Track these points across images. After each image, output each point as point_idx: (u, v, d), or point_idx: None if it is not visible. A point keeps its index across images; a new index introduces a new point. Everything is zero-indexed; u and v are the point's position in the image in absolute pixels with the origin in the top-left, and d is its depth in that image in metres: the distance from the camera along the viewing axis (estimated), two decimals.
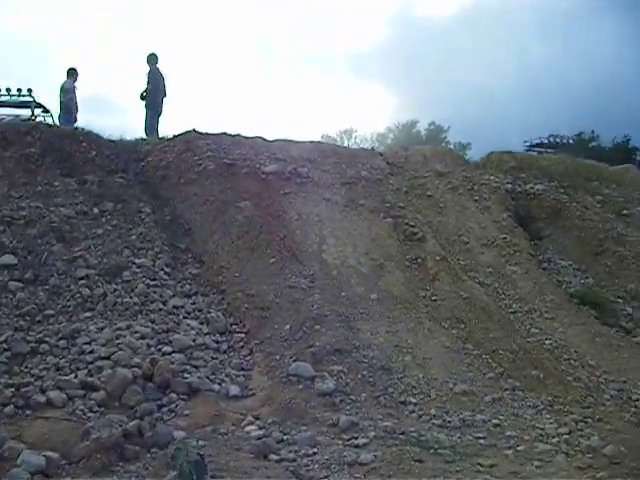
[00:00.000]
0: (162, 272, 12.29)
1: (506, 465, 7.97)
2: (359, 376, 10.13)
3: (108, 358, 9.87)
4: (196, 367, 10.24)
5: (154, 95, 18.65)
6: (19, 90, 19.58)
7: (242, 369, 10.54)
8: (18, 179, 13.80)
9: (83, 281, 11.55)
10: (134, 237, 12.92)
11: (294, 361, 10.30)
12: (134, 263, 12.30)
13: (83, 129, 15.75)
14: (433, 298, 12.57)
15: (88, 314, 11.01)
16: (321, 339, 10.69)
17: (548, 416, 9.81)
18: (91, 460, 7.82)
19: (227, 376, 10.23)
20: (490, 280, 13.67)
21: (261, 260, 12.47)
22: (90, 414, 8.89)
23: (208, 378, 10.03)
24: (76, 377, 9.53)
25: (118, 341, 10.25)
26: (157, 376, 9.64)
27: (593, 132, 41.20)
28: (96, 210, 13.37)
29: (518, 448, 8.57)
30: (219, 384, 9.99)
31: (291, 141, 16.02)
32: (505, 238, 14.82)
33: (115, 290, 11.60)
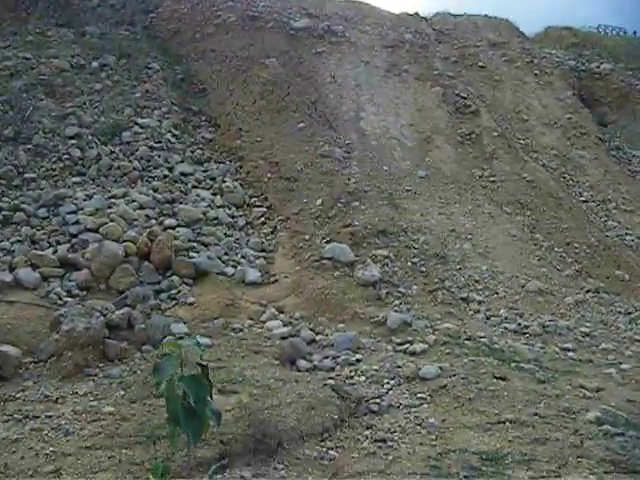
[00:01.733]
0: (169, 134, 9.97)
1: (615, 389, 5.69)
2: (409, 264, 7.86)
3: (96, 230, 7.65)
4: (205, 245, 8.00)
5: None
6: None
7: (263, 250, 8.31)
8: (6, 27, 11.55)
9: (73, 141, 9.30)
10: (138, 95, 10.57)
11: (327, 242, 8.02)
12: (136, 123, 9.99)
13: None
14: (491, 179, 10.24)
15: (77, 179, 8.80)
16: (361, 218, 8.39)
17: None
18: (61, 359, 5.64)
19: (243, 257, 8.02)
20: (555, 164, 11.32)
21: (288, 124, 10.09)
22: (67, 299, 6.74)
23: (220, 259, 7.83)
24: (55, 253, 7.36)
25: (110, 210, 8.02)
26: (156, 253, 7.37)
27: (635, 32, 37.68)
28: (95, 64, 11.04)
29: (622, 366, 6.27)
30: (233, 267, 7.79)
31: None
32: (570, 118, 12.42)
33: (112, 152, 9.33)
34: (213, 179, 9.34)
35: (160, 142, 9.69)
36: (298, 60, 11.27)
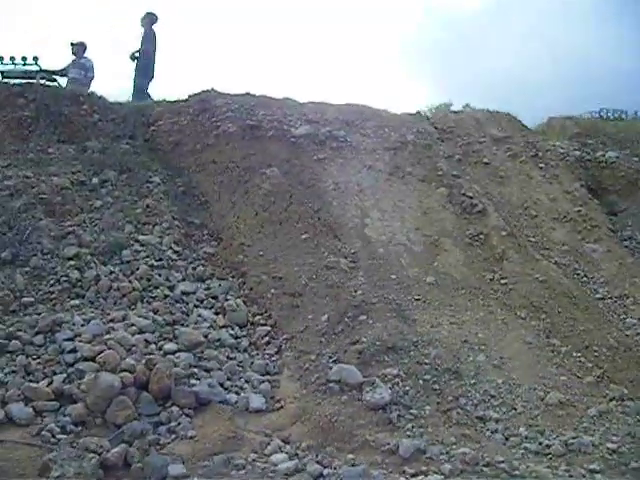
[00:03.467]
0: (170, 251, 9.70)
1: None
2: (420, 382, 7.45)
3: (93, 359, 7.26)
4: (207, 370, 7.62)
5: (147, 58, 15.82)
6: (24, 58, 17.02)
7: (267, 373, 7.90)
8: (7, 146, 11.41)
9: (72, 262, 9.02)
10: (139, 210, 10.36)
11: (334, 362, 7.65)
12: (137, 240, 9.74)
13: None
14: (503, 281, 9.86)
15: (75, 302, 8.48)
16: (369, 333, 8.04)
17: None
18: None
19: (247, 382, 7.62)
20: (567, 260, 10.95)
21: (291, 236, 9.83)
22: (61, 436, 6.30)
23: (222, 385, 7.42)
24: (50, 384, 6.98)
25: (108, 336, 7.65)
26: (154, 383, 7.00)
27: (636, 112, 37.74)
28: (96, 180, 10.85)
29: None
30: (236, 393, 7.38)
31: (325, 103, 13.27)
32: (579, 211, 12.08)
33: (111, 272, 9.04)
34: (215, 297, 8.99)
35: (161, 260, 9.42)
36: (300, 168, 11.08)
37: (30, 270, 8.78)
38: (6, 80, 14.90)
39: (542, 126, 15.42)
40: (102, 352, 7.29)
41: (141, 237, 9.77)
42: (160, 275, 9.13)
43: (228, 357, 7.96)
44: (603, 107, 30.93)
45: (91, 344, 7.49)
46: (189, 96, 12.70)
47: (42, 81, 16.70)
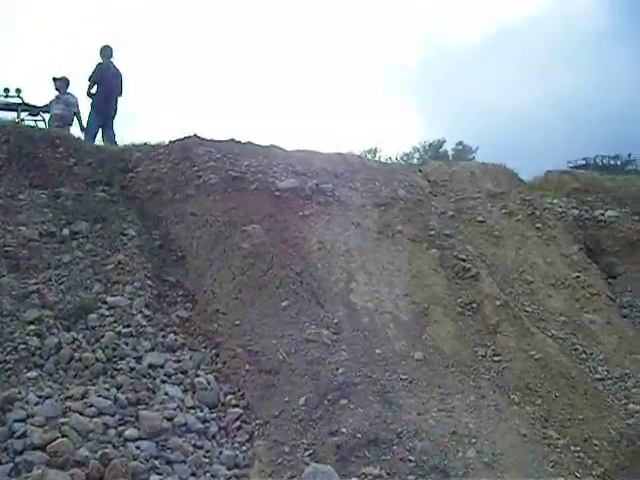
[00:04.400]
0: (140, 315, 8.99)
1: None
2: None
3: (44, 448, 6.55)
4: (170, 463, 6.90)
5: (99, 94, 15.17)
6: (6, 90, 16.45)
7: (236, 465, 7.19)
8: None
9: (33, 326, 8.34)
10: (110, 267, 9.67)
11: (310, 456, 6.96)
12: (105, 302, 9.04)
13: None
14: (496, 358, 9.20)
15: (32, 373, 7.79)
16: (349, 422, 7.36)
17: None
18: None
19: (213, 477, 6.90)
20: (564, 333, 10.29)
21: (270, 303, 9.13)
22: None
23: None
24: None
25: (63, 420, 6.97)
26: None
27: (630, 155, 37.40)
28: (67, 231, 10.17)
29: None
30: None
31: (313, 152, 12.62)
32: (578, 277, 11.46)
33: (74, 340, 8.34)
34: (185, 372, 8.24)
35: (129, 326, 8.69)
36: (283, 225, 10.40)
37: None
38: None
39: (539, 180, 14.85)
40: (54, 440, 6.60)
41: (110, 299, 9.08)
42: (127, 344, 8.43)
43: (194, 445, 7.23)
44: (598, 154, 30.65)
45: (43, 429, 6.79)
46: (170, 142, 12.03)
47: (24, 115, 16.22)
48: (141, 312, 9.05)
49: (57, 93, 15.67)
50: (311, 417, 7.49)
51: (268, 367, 8.20)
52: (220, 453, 7.26)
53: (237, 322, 8.86)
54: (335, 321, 9.04)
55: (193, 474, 6.82)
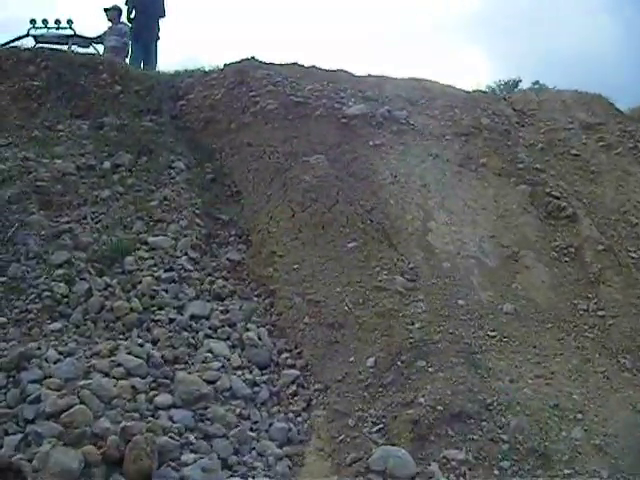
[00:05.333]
0: (185, 258, 7.71)
1: None
2: (495, 471, 5.30)
3: (57, 417, 5.30)
4: (208, 437, 5.57)
5: (139, 18, 13.71)
6: (57, 22, 15.19)
7: (289, 441, 5.83)
8: (12, 120, 9.57)
9: (61, 270, 7.13)
10: (154, 203, 8.43)
11: (379, 431, 5.59)
12: (145, 243, 7.77)
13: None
14: (600, 313, 7.60)
15: (56, 325, 6.62)
16: (427, 390, 5.92)
17: None
18: None
19: (260, 455, 5.56)
20: None
21: (335, 244, 7.71)
22: None
23: (225, 463, 5.37)
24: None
25: (84, 382, 5.71)
26: (130, 462, 5.02)
27: None
28: (107, 164, 8.98)
29: None
30: (242, 477, 5.29)
31: (385, 77, 11.04)
32: None
33: (107, 287, 7.12)
34: (233, 325, 6.87)
35: (171, 270, 7.42)
36: (351, 156, 8.92)
37: (7, 281, 6.93)
38: (40, 45, 13.24)
39: (636, 111, 12.87)
40: (71, 407, 5.34)
41: (151, 239, 7.82)
42: (167, 291, 7.14)
43: (239, 415, 5.89)
44: None
45: (59, 393, 5.54)
46: (225, 65, 10.61)
47: (74, 47, 15.09)
48: (186, 254, 7.76)
49: (109, 24, 14.42)
50: (381, 382, 6.09)
51: (331, 320, 6.79)
52: (270, 425, 5.90)
53: (296, 266, 7.46)
54: (410, 266, 7.56)
55: (236, 452, 5.49)
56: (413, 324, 6.70)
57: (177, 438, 5.35)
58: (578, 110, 11.47)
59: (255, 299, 7.38)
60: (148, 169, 9.05)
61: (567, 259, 8.30)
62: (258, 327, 6.93)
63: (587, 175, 10.05)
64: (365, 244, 7.71)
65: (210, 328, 6.84)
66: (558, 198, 9.11)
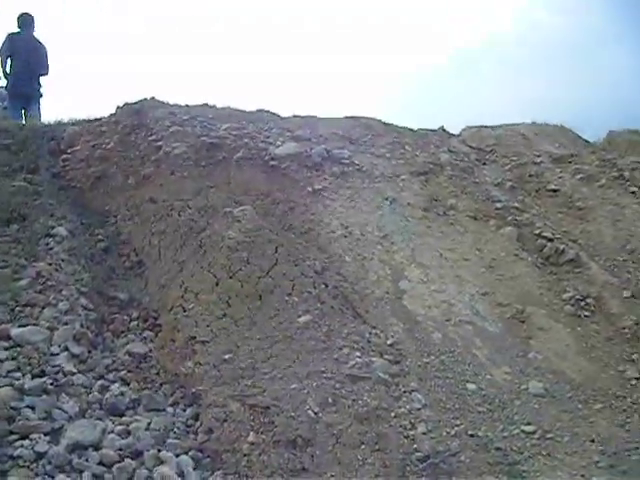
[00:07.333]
0: (65, 355, 5.19)
1: None
2: None
3: None
4: None
5: (15, 72, 11.31)
6: None
7: None
8: None
9: None
10: (24, 282, 5.85)
11: None
12: (8, 337, 5.20)
13: None
14: None
15: None
16: None
17: None
18: None
19: None
20: None
21: (281, 319, 5.28)
22: None
23: None
24: None
25: None
26: None
27: None
28: None
29: None
30: None
31: (316, 117, 8.83)
32: None
33: None
34: (138, 455, 4.21)
35: (43, 374, 4.83)
36: (287, 205, 6.61)
37: None
38: None
39: (602, 142, 11.00)
40: None
41: (15, 330, 5.21)
42: (34, 409, 4.52)
43: None
44: None
45: None
46: (117, 108, 8.19)
47: None
48: (66, 349, 5.21)
49: None
50: None
51: (290, 434, 4.27)
52: None
53: (227, 356, 4.94)
54: (389, 342, 5.19)
55: None
56: (414, 427, 4.28)
57: None
58: (542, 143, 9.59)
59: (170, 410, 4.81)
60: (18, 239, 6.51)
61: (587, 313, 6.14)
62: (177, 456, 4.34)
63: (573, 212, 8.05)
64: (322, 316, 5.30)
65: (102, 463, 4.22)
66: (552, 240, 7.04)
